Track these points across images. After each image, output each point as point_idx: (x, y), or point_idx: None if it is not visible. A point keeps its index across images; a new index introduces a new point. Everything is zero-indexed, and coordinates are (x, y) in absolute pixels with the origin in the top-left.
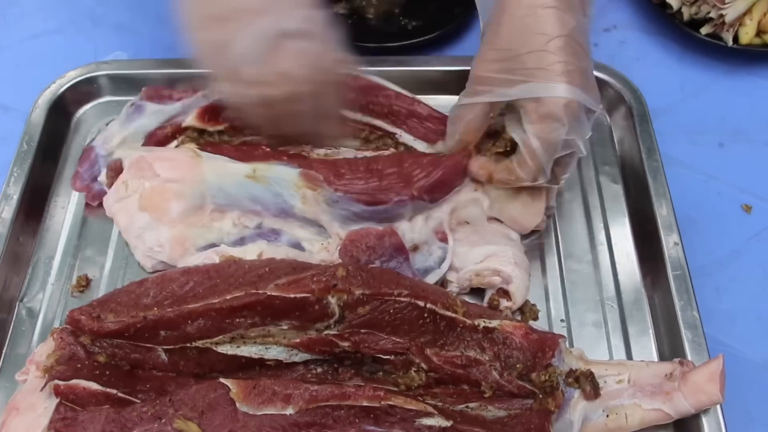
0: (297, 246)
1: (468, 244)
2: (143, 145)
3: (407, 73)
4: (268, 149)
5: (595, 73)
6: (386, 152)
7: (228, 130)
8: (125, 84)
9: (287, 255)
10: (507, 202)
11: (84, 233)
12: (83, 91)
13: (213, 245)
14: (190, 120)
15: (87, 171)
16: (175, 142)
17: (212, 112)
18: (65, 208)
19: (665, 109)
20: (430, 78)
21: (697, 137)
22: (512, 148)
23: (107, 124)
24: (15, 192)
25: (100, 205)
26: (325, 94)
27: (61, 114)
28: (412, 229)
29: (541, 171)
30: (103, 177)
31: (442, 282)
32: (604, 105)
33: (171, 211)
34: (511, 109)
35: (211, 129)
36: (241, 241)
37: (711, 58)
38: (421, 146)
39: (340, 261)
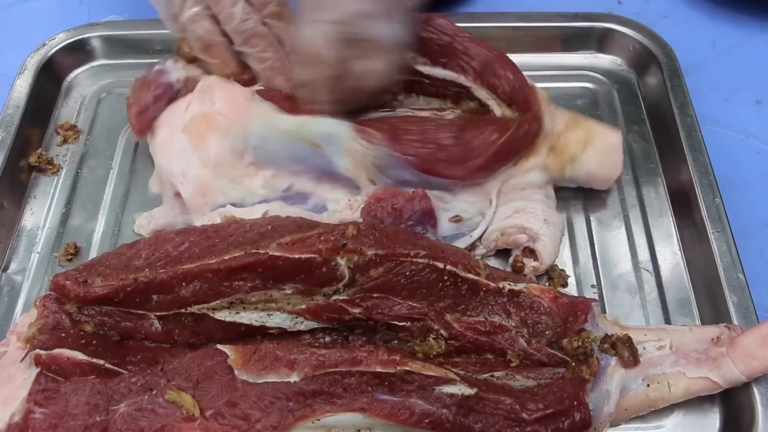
0: (321, 209)
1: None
2: None
3: None
4: None
5: (621, 28)
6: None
7: None
8: (120, 46)
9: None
10: (579, 160)
11: (73, 201)
12: (75, 53)
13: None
14: None
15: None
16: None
17: None
18: (55, 174)
19: (696, 67)
20: None
21: (732, 95)
22: None
23: None
24: None
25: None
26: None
27: (50, 77)
28: (458, 198)
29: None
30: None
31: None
32: (631, 62)
33: (209, 146)
34: None
35: None
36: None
37: (744, 14)
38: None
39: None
